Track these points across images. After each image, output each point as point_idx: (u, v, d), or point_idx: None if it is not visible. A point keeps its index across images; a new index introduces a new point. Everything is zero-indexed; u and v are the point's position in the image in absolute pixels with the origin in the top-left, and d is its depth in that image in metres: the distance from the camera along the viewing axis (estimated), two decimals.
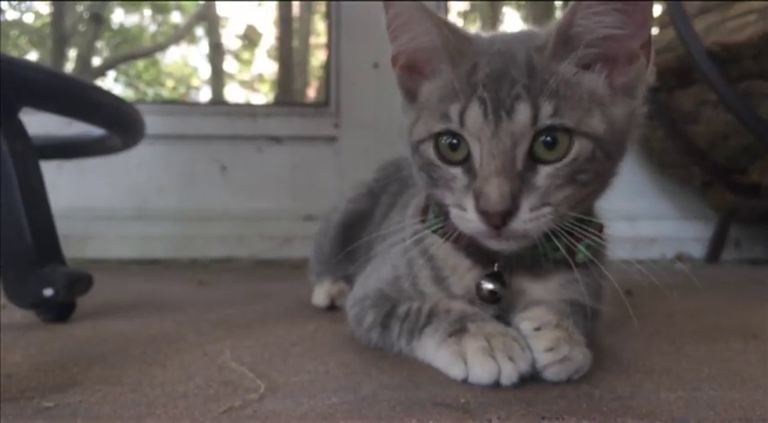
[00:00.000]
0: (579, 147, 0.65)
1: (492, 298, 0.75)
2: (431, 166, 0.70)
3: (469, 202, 0.65)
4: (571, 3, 0.67)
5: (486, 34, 0.76)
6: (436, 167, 0.70)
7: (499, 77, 0.66)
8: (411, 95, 0.76)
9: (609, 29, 0.66)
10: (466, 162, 0.67)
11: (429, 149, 0.70)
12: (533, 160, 0.65)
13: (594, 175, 0.68)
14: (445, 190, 0.70)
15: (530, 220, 0.64)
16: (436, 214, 0.78)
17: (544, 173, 0.65)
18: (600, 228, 0.77)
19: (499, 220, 0.63)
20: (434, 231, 0.78)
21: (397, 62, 0.76)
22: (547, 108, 0.64)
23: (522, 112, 0.64)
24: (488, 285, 0.75)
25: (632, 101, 0.70)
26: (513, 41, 0.71)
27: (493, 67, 0.67)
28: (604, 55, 0.68)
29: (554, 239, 0.70)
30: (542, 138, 0.65)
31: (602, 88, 0.68)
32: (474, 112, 0.65)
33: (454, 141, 0.68)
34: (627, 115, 0.69)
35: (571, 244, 0.71)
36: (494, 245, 0.69)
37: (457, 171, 0.68)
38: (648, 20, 0.68)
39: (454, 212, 0.68)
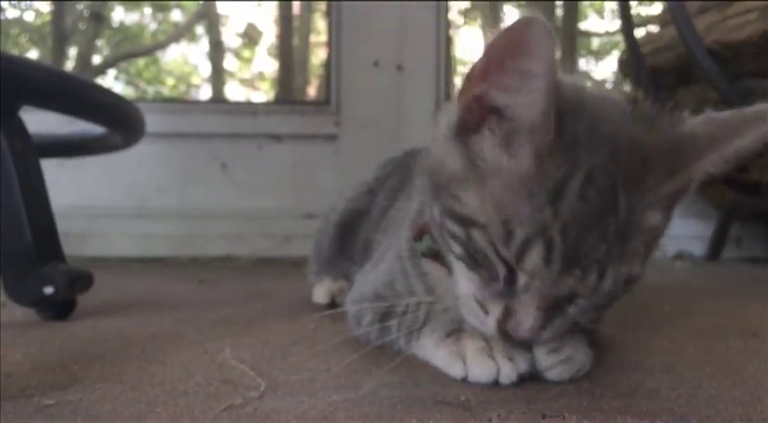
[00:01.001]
0: (628, 288, 0.62)
1: None
2: (478, 251, 0.60)
3: (495, 311, 0.61)
4: (698, 134, 0.57)
5: (585, 105, 0.59)
6: (484, 256, 0.59)
7: (588, 225, 0.55)
8: (465, 130, 0.61)
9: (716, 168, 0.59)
10: (506, 270, 0.59)
11: (483, 239, 0.59)
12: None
13: (617, 301, 0.64)
14: (481, 276, 0.62)
15: (548, 337, 0.63)
16: (430, 247, 0.73)
17: (579, 306, 0.61)
18: None
19: (518, 344, 0.62)
20: (425, 255, 0.76)
21: (474, 88, 0.59)
22: (611, 276, 0.58)
23: (592, 279, 0.57)
24: None
25: (670, 214, 0.63)
26: (618, 152, 0.56)
27: (587, 205, 0.55)
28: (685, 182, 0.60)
29: None
30: None
31: (661, 222, 0.61)
32: (536, 256, 0.55)
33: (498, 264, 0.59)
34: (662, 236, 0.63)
35: None
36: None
37: (502, 270, 0.59)
38: None
39: (471, 305, 0.63)
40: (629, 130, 0.59)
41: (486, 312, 0.63)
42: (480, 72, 0.57)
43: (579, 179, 0.55)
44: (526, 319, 0.60)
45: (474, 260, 0.61)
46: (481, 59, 0.57)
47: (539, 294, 0.58)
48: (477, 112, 0.60)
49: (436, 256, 0.73)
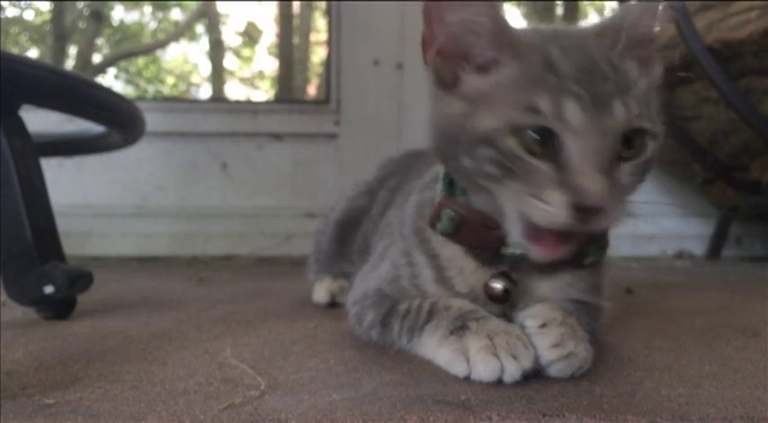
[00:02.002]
0: (652, 146, 0.67)
1: (504, 297, 0.74)
2: (511, 158, 0.64)
3: (557, 196, 0.62)
4: (638, 2, 0.67)
5: (529, 28, 0.72)
6: (519, 160, 0.64)
7: (590, 72, 0.64)
8: (446, 83, 0.70)
9: (651, 30, 0.68)
10: (554, 154, 0.63)
11: (510, 141, 0.64)
12: (617, 158, 0.65)
13: (652, 167, 0.69)
14: (521, 183, 0.65)
15: (615, 213, 0.63)
16: (451, 217, 0.76)
17: (626, 170, 0.65)
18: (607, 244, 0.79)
19: (595, 216, 0.62)
20: (445, 233, 0.77)
21: (430, 46, 0.69)
22: (634, 108, 0.64)
23: (619, 111, 0.63)
24: (498, 285, 0.74)
25: (656, 98, 0.70)
26: (571, 36, 0.69)
27: (576, 61, 0.64)
28: (645, 56, 0.69)
29: None
30: (625, 138, 0.65)
31: (650, 93, 0.69)
32: (573, 107, 0.62)
33: (541, 137, 0.63)
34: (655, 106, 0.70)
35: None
36: (544, 254, 0.67)
37: (543, 165, 0.63)
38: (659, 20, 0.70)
39: (534, 205, 0.64)
40: (583, 39, 0.69)
41: (549, 203, 0.63)
42: (429, 32, 0.69)
43: (557, 51, 0.65)
44: (595, 185, 0.61)
45: (511, 172, 0.65)
46: (424, 23, 0.69)
47: (592, 153, 0.62)
48: (446, 64, 0.70)
49: (458, 229, 0.76)
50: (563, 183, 0.62)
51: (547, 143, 0.63)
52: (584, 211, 0.61)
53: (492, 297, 0.75)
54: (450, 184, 0.79)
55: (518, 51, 0.66)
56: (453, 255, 0.78)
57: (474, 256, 0.77)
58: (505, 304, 0.75)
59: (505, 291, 0.74)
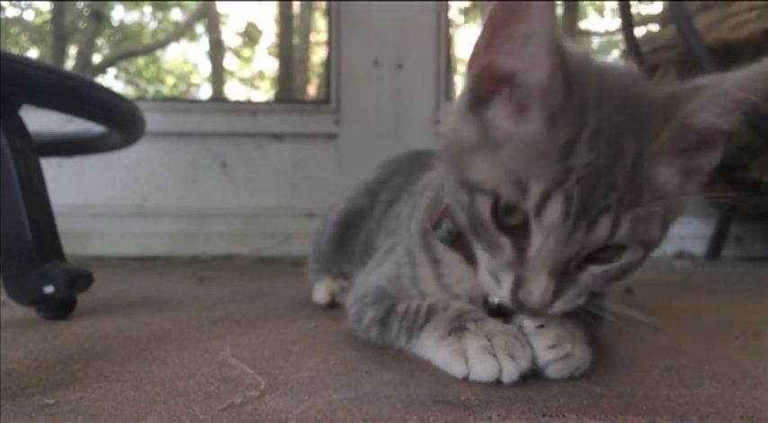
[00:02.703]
0: (633, 254, 0.62)
1: (499, 312, 0.73)
2: (480, 222, 0.62)
3: (507, 281, 0.62)
4: (700, 85, 0.59)
5: (592, 67, 0.61)
6: (486, 228, 0.62)
7: (600, 174, 0.56)
8: (477, 103, 0.63)
9: (719, 123, 0.59)
10: (519, 236, 0.60)
11: (485, 207, 0.61)
12: (584, 261, 0.62)
13: (634, 271, 0.65)
14: (485, 248, 0.64)
15: (560, 309, 0.63)
16: (450, 231, 0.74)
17: (591, 273, 0.63)
18: None
19: (531, 313, 0.63)
20: (443, 242, 0.76)
21: (479, 61, 0.61)
22: (624, 228, 0.58)
23: (604, 229, 0.58)
24: (496, 300, 0.73)
25: (692, 186, 0.63)
26: (627, 102, 0.59)
27: (599, 155, 0.56)
28: (696, 142, 0.61)
29: None
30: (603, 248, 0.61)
31: (675, 180, 0.60)
32: (556, 208, 0.57)
33: (512, 213, 0.60)
34: (686, 203, 0.64)
35: None
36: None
37: (506, 242, 0.61)
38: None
39: (485, 277, 0.65)
40: (633, 87, 0.61)
41: (500, 284, 0.63)
42: (485, 43, 0.60)
43: (588, 131, 0.56)
44: (538, 287, 0.60)
45: (476, 231, 0.63)
46: (483, 31, 0.59)
47: (550, 257, 0.59)
48: (488, 83, 0.62)
49: (455, 242, 0.74)
50: (516, 268, 0.62)
51: (519, 223, 0.60)
52: (520, 305, 0.62)
53: (491, 312, 0.74)
54: None
55: (556, 108, 0.57)
56: (454, 262, 0.78)
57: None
58: (503, 317, 0.74)
59: (499, 306, 0.73)
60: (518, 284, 0.61)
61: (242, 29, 3.36)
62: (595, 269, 0.63)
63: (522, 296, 0.61)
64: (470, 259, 0.70)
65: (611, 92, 0.59)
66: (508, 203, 0.59)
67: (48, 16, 3.07)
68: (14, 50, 2.92)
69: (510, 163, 0.59)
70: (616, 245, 0.60)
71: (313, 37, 3.14)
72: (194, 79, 3.43)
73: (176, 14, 3.41)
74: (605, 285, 0.66)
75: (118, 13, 3.26)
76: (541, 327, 0.70)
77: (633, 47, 2.14)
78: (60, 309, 1.07)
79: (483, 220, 0.62)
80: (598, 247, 0.60)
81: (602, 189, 0.57)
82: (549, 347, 0.67)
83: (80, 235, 2.21)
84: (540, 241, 0.59)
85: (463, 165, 0.63)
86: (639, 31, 2.33)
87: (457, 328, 0.71)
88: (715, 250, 2.26)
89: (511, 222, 0.60)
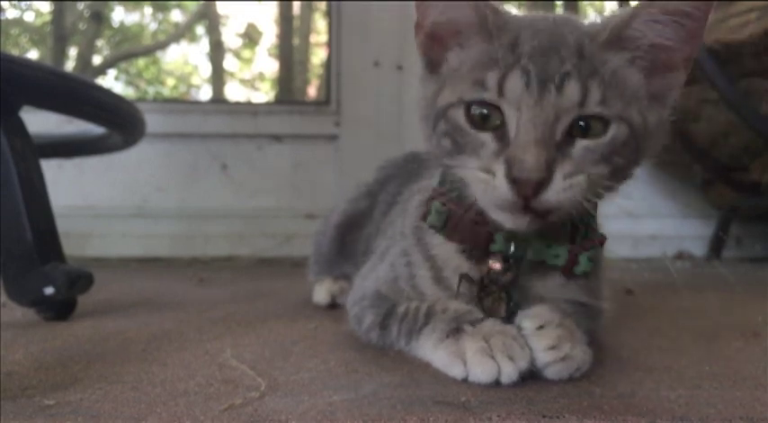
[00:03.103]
0: (617, 130, 0.66)
1: (505, 267, 0.74)
2: (458, 131, 0.68)
3: (500, 168, 0.63)
4: (634, 4, 0.67)
5: (523, 15, 0.74)
6: (464, 133, 0.67)
7: (547, 52, 0.65)
8: (433, 65, 0.74)
9: (662, 38, 0.68)
10: (498, 130, 0.65)
11: (458, 114, 0.68)
12: (571, 136, 0.65)
13: (626, 162, 0.68)
14: (470, 156, 0.67)
15: (563, 189, 0.62)
16: (439, 210, 0.77)
17: (581, 146, 0.65)
18: (602, 240, 0.79)
19: (532, 189, 0.61)
20: (434, 227, 0.77)
21: (421, 30, 0.73)
22: (595, 94, 0.64)
23: (572, 90, 0.63)
24: (498, 265, 0.74)
25: (663, 110, 0.71)
26: (557, 23, 0.70)
27: (540, 42, 0.66)
28: (650, 60, 0.69)
29: (554, 246, 0.73)
30: (582, 122, 0.64)
31: (642, 90, 0.69)
32: (515, 81, 0.64)
33: (485, 111, 0.66)
34: (657, 122, 0.70)
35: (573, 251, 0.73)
36: (511, 222, 0.66)
37: (487, 137, 0.66)
38: (701, 37, 0.70)
39: (479, 177, 0.65)
40: (567, 27, 0.69)
41: (494, 175, 0.64)
42: (421, 17, 0.72)
43: (529, 33, 0.67)
44: (529, 155, 0.61)
45: (460, 145, 0.68)
46: (417, 9, 0.72)
47: (530, 125, 0.63)
48: (436, 47, 0.73)
49: (446, 224, 0.77)
50: (505, 153, 0.63)
51: (494, 119, 0.66)
52: (520, 183, 0.62)
53: (493, 280, 0.74)
54: (444, 178, 0.79)
55: (492, 32, 0.68)
56: (448, 255, 0.79)
57: (469, 255, 0.77)
58: (507, 288, 0.74)
59: (506, 269, 0.74)
60: (510, 164, 0.62)
61: (242, 30, 3.36)
62: (584, 142, 0.65)
63: (517, 172, 0.61)
64: (463, 238, 0.75)
65: (545, 18, 0.71)
66: (474, 101, 0.66)
67: (48, 17, 3.07)
68: (15, 52, 2.92)
69: (467, 75, 0.68)
70: (597, 116, 0.65)
71: (313, 38, 3.14)
72: (194, 80, 3.43)
73: (176, 16, 3.41)
74: (603, 166, 0.66)
75: (118, 15, 3.26)
76: (541, 328, 0.70)
77: None
78: (60, 310, 1.07)
79: (461, 127, 0.67)
80: (579, 115, 0.64)
81: (555, 62, 0.64)
82: (549, 349, 0.67)
83: (80, 236, 2.21)
84: (514, 115, 0.64)
85: (433, 105, 0.71)
86: None
87: (455, 329, 0.71)
88: (715, 251, 2.26)
89: (487, 125, 0.66)
